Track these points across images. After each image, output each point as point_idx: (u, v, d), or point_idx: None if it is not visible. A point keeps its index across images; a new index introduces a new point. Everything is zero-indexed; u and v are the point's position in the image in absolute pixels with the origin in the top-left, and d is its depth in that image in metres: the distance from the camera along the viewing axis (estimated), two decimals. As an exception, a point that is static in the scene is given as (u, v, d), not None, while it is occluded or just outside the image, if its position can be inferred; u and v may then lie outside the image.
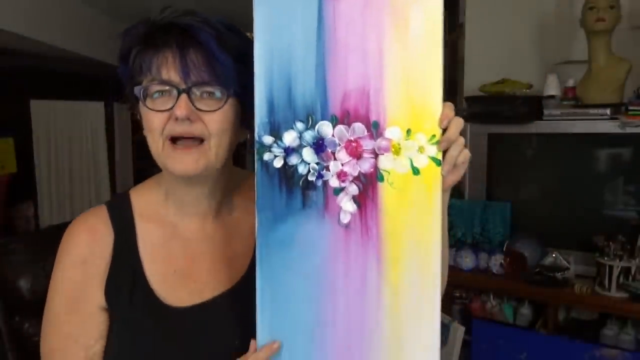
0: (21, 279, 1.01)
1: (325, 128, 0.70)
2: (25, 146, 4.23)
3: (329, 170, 0.71)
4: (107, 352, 0.83)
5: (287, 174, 0.71)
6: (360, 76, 0.70)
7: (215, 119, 0.76)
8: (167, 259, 0.85)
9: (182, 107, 0.74)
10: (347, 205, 0.71)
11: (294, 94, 0.70)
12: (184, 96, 0.74)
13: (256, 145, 0.71)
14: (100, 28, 3.55)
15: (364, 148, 0.71)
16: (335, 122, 0.70)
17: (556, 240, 2.08)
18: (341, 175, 0.71)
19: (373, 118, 0.70)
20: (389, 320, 0.72)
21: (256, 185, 0.72)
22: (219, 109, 0.76)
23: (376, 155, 0.70)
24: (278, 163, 0.71)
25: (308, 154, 0.71)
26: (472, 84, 2.38)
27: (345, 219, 0.72)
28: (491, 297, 2.19)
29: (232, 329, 0.81)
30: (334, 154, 0.71)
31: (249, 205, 0.89)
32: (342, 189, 0.71)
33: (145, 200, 0.88)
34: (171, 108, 0.75)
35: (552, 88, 2.17)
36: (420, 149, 0.70)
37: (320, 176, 0.71)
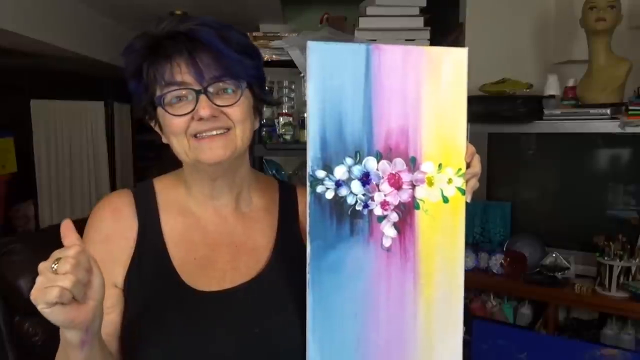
0: (21, 279, 1.01)
1: (371, 163, 0.78)
2: (25, 146, 4.22)
3: (373, 201, 0.78)
4: (127, 333, 0.84)
5: (338, 204, 0.78)
6: (401, 116, 0.78)
7: (235, 110, 0.81)
8: (188, 247, 0.88)
9: (205, 108, 0.78)
10: (389, 231, 0.79)
11: (344, 131, 0.77)
12: (203, 97, 0.79)
13: (309, 179, 0.77)
14: (100, 28, 3.55)
15: (404, 180, 0.79)
16: (379, 157, 0.78)
17: (556, 240, 2.09)
18: (384, 205, 0.79)
19: (411, 154, 0.78)
20: (422, 330, 0.81)
21: (309, 216, 0.77)
22: (237, 101, 0.81)
23: (413, 187, 0.79)
24: (329, 195, 0.78)
25: (356, 186, 0.78)
26: (472, 83, 2.37)
27: (387, 243, 0.79)
28: (491, 297, 2.19)
29: (252, 316, 0.83)
30: (378, 185, 0.78)
31: (266, 204, 0.94)
32: (384, 217, 0.79)
33: (168, 191, 0.92)
34: (192, 110, 0.79)
35: (552, 88, 2.17)
36: (449, 181, 0.79)
37: (366, 206, 0.78)
